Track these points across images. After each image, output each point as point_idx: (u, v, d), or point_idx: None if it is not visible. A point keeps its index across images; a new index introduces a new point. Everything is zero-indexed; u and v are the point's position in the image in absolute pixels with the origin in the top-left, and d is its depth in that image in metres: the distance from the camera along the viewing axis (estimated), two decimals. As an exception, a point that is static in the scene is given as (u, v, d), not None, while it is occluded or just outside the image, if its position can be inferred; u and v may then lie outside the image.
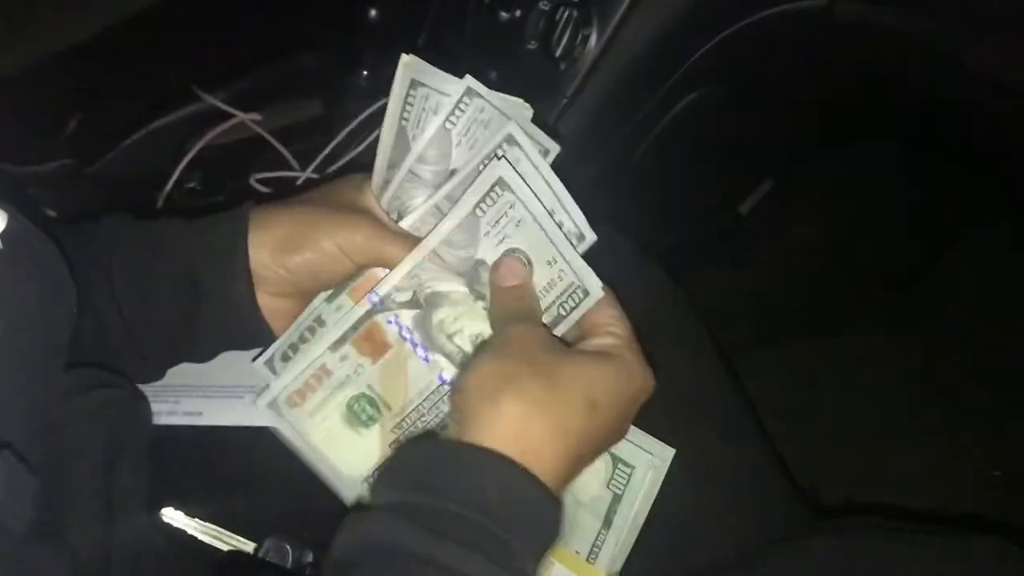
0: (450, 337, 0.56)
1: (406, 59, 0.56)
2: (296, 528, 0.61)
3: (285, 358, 0.58)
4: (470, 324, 0.56)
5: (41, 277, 0.44)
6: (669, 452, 0.59)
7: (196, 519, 0.60)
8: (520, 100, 0.59)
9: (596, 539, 0.60)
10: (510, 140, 0.54)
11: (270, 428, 0.58)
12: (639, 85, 0.92)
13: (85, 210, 0.71)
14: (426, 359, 0.57)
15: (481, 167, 0.54)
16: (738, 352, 1.20)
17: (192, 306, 0.55)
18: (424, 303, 0.57)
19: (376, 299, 0.56)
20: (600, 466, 0.60)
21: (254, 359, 0.60)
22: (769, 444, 0.69)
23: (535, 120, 0.58)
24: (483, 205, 0.53)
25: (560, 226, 0.53)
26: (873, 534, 0.55)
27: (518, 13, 0.92)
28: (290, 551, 0.60)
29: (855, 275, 1.26)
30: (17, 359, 0.39)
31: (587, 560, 0.60)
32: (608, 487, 0.60)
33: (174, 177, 0.91)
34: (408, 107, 0.57)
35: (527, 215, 0.53)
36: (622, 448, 0.59)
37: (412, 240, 0.56)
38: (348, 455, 0.58)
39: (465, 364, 0.50)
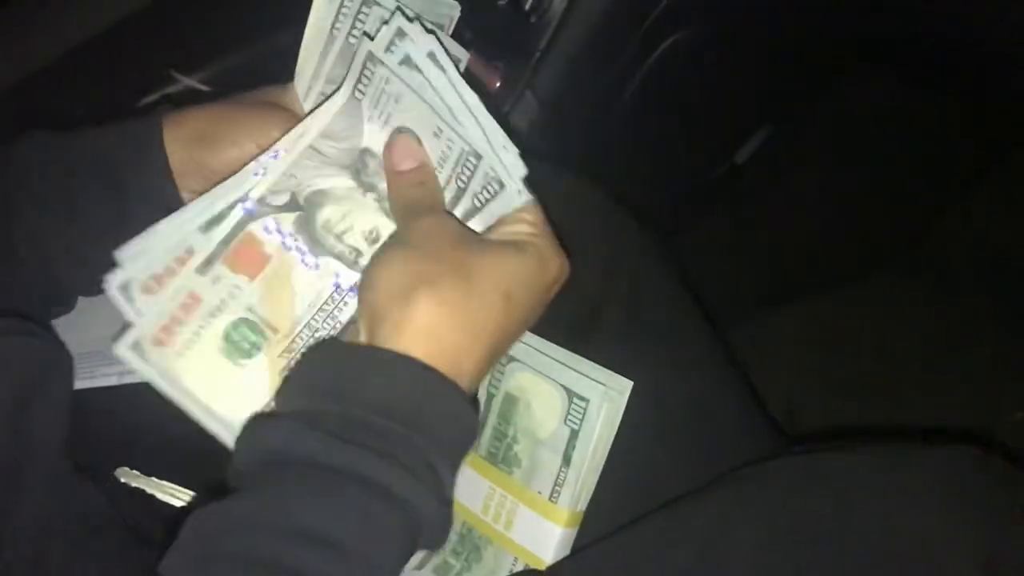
0: (339, 236, 0.52)
1: None
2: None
3: (147, 289, 0.50)
4: (361, 219, 0.53)
5: None
6: (626, 384, 0.57)
7: (152, 477, 0.60)
8: None
9: (557, 477, 0.58)
10: (399, 33, 0.49)
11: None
12: (614, 31, 0.89)
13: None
14: (315, 266, 0.52)
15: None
16: (745, 308, 1.17)
17: (119, 205, 0.54)
18: (304, 203, 0.52)
19: (249, 206, 0.51)
20: (556, 401, 0.58)
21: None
22: (741, 378, 0.67)
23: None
24: (360, 86, 0.50)
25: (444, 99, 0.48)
26: (841, 451, 0.51)
27: (486, -30, 0.91)
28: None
29: (863, 223, 1.21)
30: None
31: (549, 499, 0.58)
32: (565, 423, 0.58)
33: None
34: (343, 17, 0.54)
35: (402, 87, 0.49)
36: (576, 382, 0.57)
37: None
38: (231, 395, 0.50)
39: (374, 259, 0.48)
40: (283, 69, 1.01)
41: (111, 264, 0.58)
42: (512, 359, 0.60)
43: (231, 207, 0.51)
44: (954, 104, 1.11)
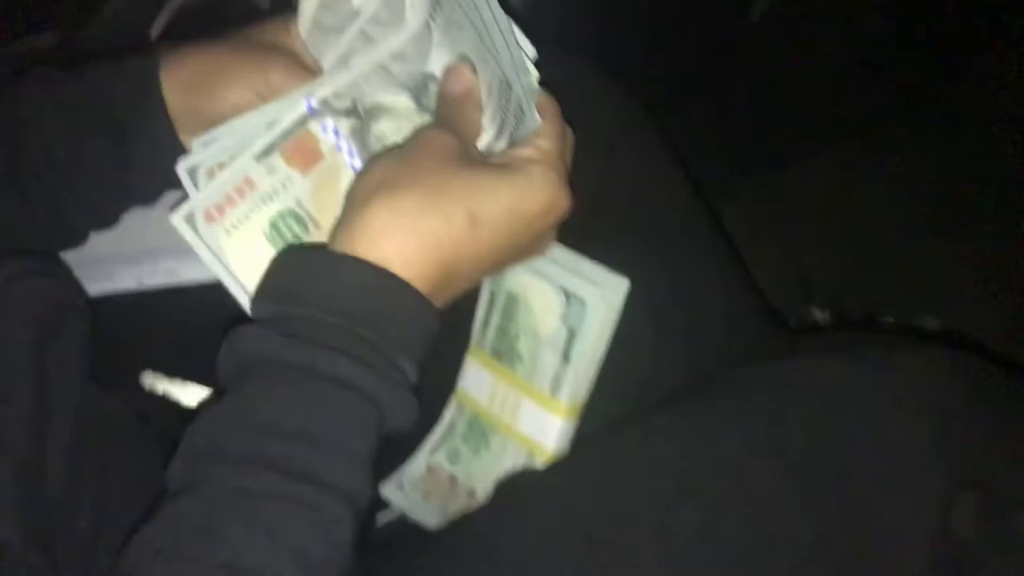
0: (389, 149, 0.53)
1: None
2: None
3: (211, 174, 0.53)
4: None
5: None
6: (623, 283, 0.58)
7: (175, 380, 0.63)
8: None
9: (557, 373, 0.61)
10: None
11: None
12: None
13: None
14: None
15: None
16: (755, 174, 1.16)
17: (118, 147, 0.55)
18: (364, 113, 0.54)
19: (312, 104, 0.53)
20: (554, 302, 0.60)
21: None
22: (741, 270, 0.67)
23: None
24: (434, 13, 0.50)
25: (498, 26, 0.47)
26: (821, 355, 0.53)
27: None
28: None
29: (879, 84, 1.17)
30: None
31: (551, 394, 0.61)
32: (563, 322, 0.60)
33: (154, 38, 0.91)
34: None
35: (461, 14, 0.49)
36: (573, 282, 0.59)
37: None
38: None
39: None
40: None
41: (116, 205, 0.59)
42: (512, 259, 0.62)
43: (296, 105, 0.53)
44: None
